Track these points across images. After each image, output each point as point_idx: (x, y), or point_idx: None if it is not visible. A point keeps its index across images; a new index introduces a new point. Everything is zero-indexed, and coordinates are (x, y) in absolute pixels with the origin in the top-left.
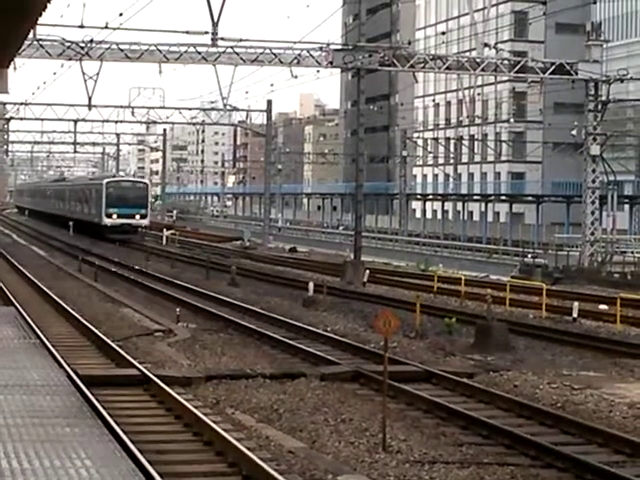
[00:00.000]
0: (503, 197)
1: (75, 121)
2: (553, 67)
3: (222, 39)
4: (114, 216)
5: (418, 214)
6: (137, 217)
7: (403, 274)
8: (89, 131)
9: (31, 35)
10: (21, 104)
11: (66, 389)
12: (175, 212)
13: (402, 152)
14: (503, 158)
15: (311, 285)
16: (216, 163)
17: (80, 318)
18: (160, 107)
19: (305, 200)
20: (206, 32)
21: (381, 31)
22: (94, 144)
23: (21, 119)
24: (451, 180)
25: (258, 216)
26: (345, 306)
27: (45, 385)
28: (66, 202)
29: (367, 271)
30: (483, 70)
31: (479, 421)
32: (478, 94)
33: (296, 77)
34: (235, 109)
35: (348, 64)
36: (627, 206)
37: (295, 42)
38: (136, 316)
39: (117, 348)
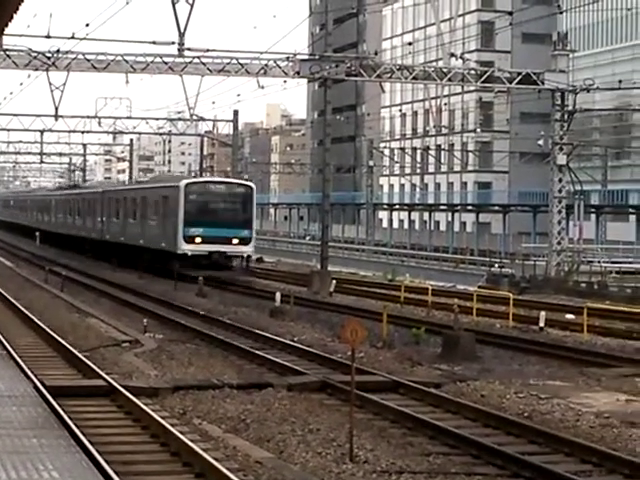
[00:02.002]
0: (470, 207)
1: (41, 131)
2: (520, 77)
3: (189, 49)
4: (197, 240)
5: (385, 224)
6: (234, 242)
7: (370, 284)
8: (56, 141)
9: None
10: None
11: (33, 400)
12: None
13: (369, 162)
14: (470, 168)
15: (278, 295)
16: (182, 173)
17: (47, 329)
18: (127, 117)
19: (272, 210)
20: (173, 42)
21: (348, 41)
22: (61, 154)
23: None
24: (418, 190)
25: None
26: (312, 316)
27: (12, 396)
28: (96, 216)
29: (334, 281)
30: (450, 80)
31: (446, 431)
32: (445, 104)
33: (263, 87)
34: (202, 119)
35: (315, 74)
36: (593, 215)
37: (262, 52)
38: (103, 326)
39: (84, 359)
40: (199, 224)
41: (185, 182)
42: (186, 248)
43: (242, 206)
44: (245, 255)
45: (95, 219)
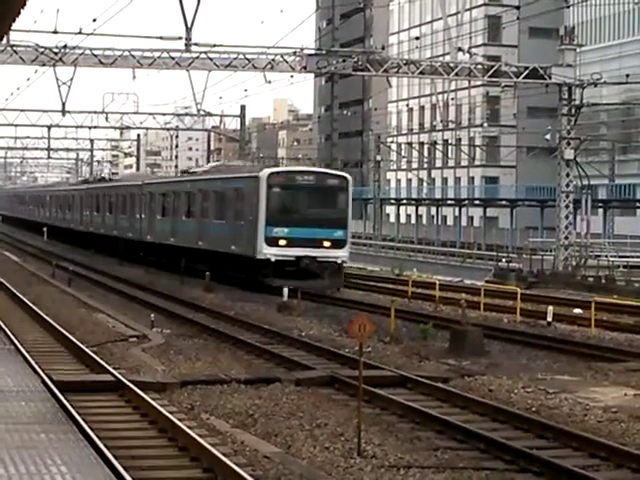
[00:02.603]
0: (477, 201)
1: (49, 127)
2: (527, 71)
3: (196, 44)
4: (281, 242)
5: (392, 219)
6: (326, 245)
7: (377, 279)
8: (63, 137)
9: (4, 41)
10: None
11: (41, 395)
12: None
13: (376, 157)
14: (477, 162)
15: (285, 290)
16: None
17: (54, 324)
18: (134, 112)
19: None
20: (180, 37)
21: (355, 36)
22: (68, 150)
23: None
24: (425, 185)
25: None
26: (319, 311)
27: (20, 391)
28: (133, 214)
29: None
30: (457, 75)
31: (454, 425)
32: (452, 99)
33: (270, 82)
34: (209, 114)
35: (322, 69)
36: (601, 210)
37: (269, 47)
38: (110, 321)
39: (91, 354)
40: (284, 223)
41: (268, 172)
42: (268, 252)
43: (336, 201)
44: (339, 261)
45: (132, 217)
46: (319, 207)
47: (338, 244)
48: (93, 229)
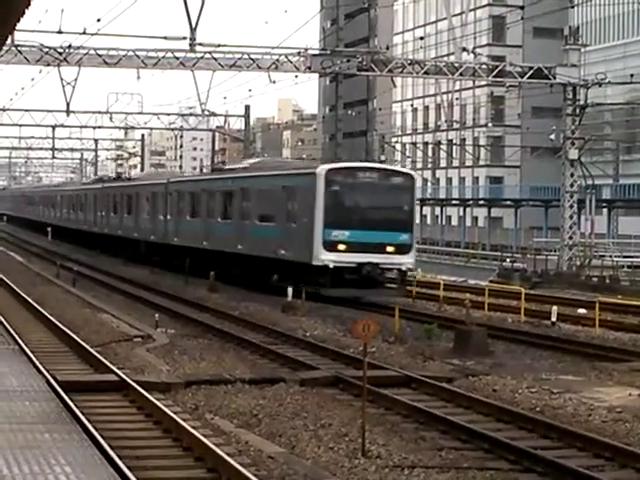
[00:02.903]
0: (481, 201)
1: (53, 127)
2: (531, 71)
3: (200, 44)
4: (340, 247)
5: None
6: (389, 250)
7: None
8: (67, 137)
9: (9, 41)
10: None
11: (45, 395)
12: None
13: (380, 157)
14: (481, 162)
15: (290, 290)
16: (194, 169)
17: (59, 324)
18: (138, 113)
19: None
20: (184, 37)
21: (359, 36)
22: (72, 150)
23: None
24: (429, 185)
25: None
26: (324, 311)
27: (24, 391)
28: (156, 214)
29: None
30: (461, 75)
31: (458, 425)
32: (456, 99)
33: (274, 82)
34: (213, 114)
35: (326, 69)
36: (605, 210)
37: (273, 47)
38: (114, 321)
39: (96, 354)
40: (344, 225)
41: (326, 168)
42: (326, 258)
43: (400, 201)
44: (404, 268)
45: (155, 218)
46: (382, 208)
47: (403, 249)
48: (109, 231)
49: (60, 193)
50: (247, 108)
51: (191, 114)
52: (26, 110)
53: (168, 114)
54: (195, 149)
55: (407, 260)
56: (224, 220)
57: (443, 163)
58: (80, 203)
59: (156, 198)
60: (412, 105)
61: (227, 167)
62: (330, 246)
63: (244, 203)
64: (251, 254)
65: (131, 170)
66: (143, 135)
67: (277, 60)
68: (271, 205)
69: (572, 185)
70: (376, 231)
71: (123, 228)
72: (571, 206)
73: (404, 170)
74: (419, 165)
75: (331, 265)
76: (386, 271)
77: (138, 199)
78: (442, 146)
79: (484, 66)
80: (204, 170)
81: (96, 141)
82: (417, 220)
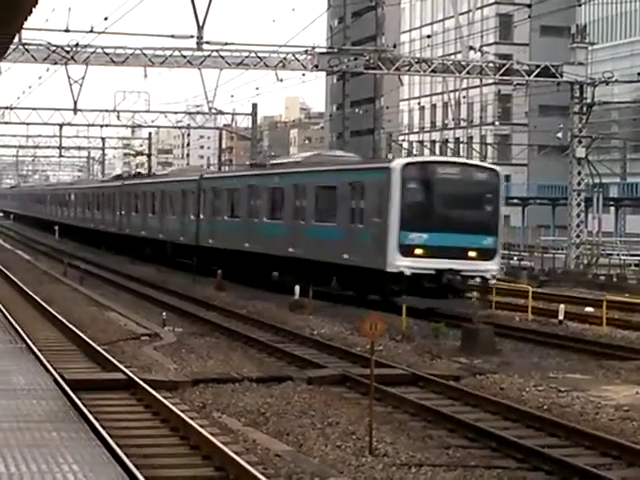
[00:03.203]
0: None
1: (60, 125)
2: (538, 70)
3: (207, 43)
4: (417, 252)
5: None
6: (471, 255)
7: None
8: (74, 135)
9: (16, 39)
10: (6, 108)
11: (52, 393)
12: None
13: (387, 155)
14: (488, 161)
15: (297, 289)
16: (201, 166)
17: (66, 322)
18: (145, 111)
19: None
20: (191, 36)
21: (366, 34)
22: (79, 148)
23: (6, 123)
24: None
25: None
26: (331, 310)
27: (31, 389)
28: (186, 214)
29: None
30: (468, 73)
31: (466, 424)
32: (463, 97)
33: (281, 80)
34: (220, 113)
35: (333, 67)
36: (612, 208)
37: (280, 45)
38: (122, 320)
39: (103, 352)
40: (423, 227)
41: (402, 162)
42: (402, 264)
43: (485, 200)
44: (488, 276)
45: (186, 217)
46: (465, 207)
47: (487, 254)
48: (130, 231)
49: (74, 191)
50: (254, 106)
51: (198, 112)
52: (33, 108)
53: (175, 112)
54: (202, 147)
55: (491, 267)
56: (272, 220)
57: None
58: (96, 202)
59: (186, 196)
60: (419, 103)
61: (273, 162)
62: (406, 251)
63: (298, 201)
64: (308, 258)
65: (138, 168)
66: (150, 133)
67: (284, 58)
68: (332, 204)
69: (579, 183)
70: (458, 234)
71: (147, 229)
72: (578, 204)
73: (488, 165)
74: None
75: (408, 272)
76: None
77: (163, 197)
78: (449, 144)
79: (491, 64)
80: (211, 168)
81: (103, 139)
82: (502, 221)
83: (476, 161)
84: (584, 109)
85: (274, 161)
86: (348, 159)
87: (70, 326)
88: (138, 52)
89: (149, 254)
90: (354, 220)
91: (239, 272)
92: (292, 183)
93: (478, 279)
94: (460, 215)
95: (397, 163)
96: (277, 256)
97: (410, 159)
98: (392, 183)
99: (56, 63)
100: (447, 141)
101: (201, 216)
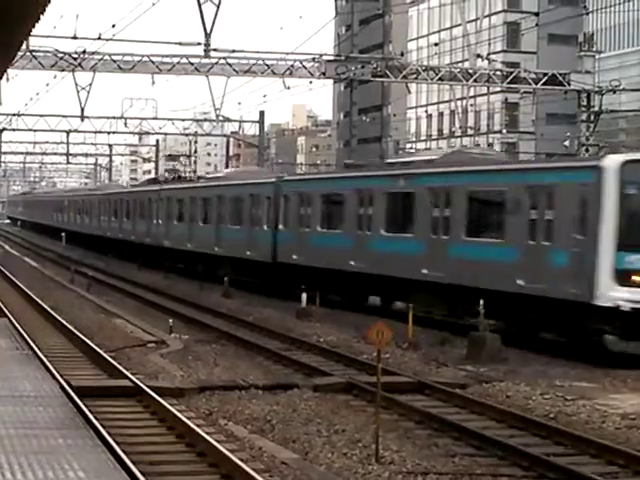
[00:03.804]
0: None
1: (68, 132)
2: (545, 78)
3: (215, 50)
4: (636, 279)
5: None
6: None
7: None
8: (82, 142)
9: (24, 46)
10: (14, 115)
11: (59, 400)
12: None
13: None
14: None
15: (304, 296)
16: (208, 174)
17: (73, 329)
18: (153, 118)
19: None
20: (199, 43)
21: (373, 42)
22: (86, 155)
23: (13, 130)
24: None
25: None
26: (338, 317)
27: (38, 396)
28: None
29: None
30: (476, 81)
31: (472, 432)
32: (471, 105)
33: (289, 88)
34: (228, 120)
35: (341, 75)
36: None
37: (288, 53)
38: (129, 327)
39: (110, 359)
40: None
41: (620, 160)
42: (619, 296)
43: None
44: None
45: (253, 228)
46: None
47: None
48: (171, 244)
49: (97, 198)
50: (262, 114)
51: (205, 119)
52: (41, 115)
53: (182, 119)
54: (209, 154)
55: None
56: (395, 234)
57: None
58: (126, 210)
59: (257, 202)
60: (426, 111)
61: (390, 161)
62: (624, 278)
63: (437, 210)
64: (453, 283)
65: (144, 175)
66: (157, 140)
67: (292, 66)
68: (496, 213)
69: None
70: None
71: (196, 240)
72: None
73: None
74: None
75: (626, 307)
76: None
77: (220, 204)
78: None
79: (498, 72)
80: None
81: (110, 146)
82: None
83: None
84: (591, 117)
85: (390, 160)
86: (498, 156)
87: (77, 333)
88: (145, 59)
89: (200, 271)
90: (535, 236)
91: (336, 294)
92: (428, 186)
93: None
94: None
95: (612, 160)
96: (401, 278)
97: (629, 155)
98: (604, 187)
99: (63, 70)
100: None
101: (280, 227)
